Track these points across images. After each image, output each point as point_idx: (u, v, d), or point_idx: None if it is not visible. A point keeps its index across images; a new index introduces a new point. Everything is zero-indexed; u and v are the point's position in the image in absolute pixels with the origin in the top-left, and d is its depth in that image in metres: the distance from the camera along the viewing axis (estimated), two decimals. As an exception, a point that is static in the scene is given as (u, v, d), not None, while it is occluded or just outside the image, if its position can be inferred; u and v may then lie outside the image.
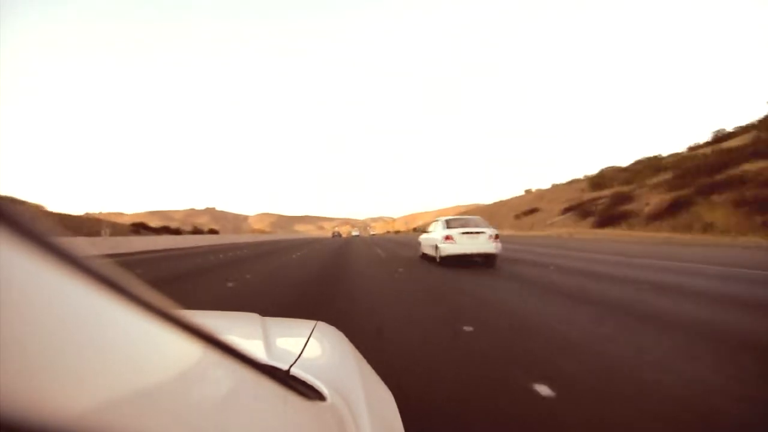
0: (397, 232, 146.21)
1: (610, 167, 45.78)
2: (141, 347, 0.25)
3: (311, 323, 0.90)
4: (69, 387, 0.17)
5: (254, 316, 0.89)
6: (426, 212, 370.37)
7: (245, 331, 0.79)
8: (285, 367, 0.56)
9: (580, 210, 32.57)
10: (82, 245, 0.24)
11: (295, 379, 0.53)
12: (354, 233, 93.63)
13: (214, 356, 0.32)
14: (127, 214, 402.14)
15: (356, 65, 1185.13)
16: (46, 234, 0.21)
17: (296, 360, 0.62)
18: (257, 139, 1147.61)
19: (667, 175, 28.18)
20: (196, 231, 66.47)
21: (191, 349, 0.29)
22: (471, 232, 7.37)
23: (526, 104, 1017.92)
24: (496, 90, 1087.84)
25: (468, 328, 2.89)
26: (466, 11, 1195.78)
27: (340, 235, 68.38)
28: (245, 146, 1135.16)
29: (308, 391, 0.49)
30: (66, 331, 0.19)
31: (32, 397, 0.15)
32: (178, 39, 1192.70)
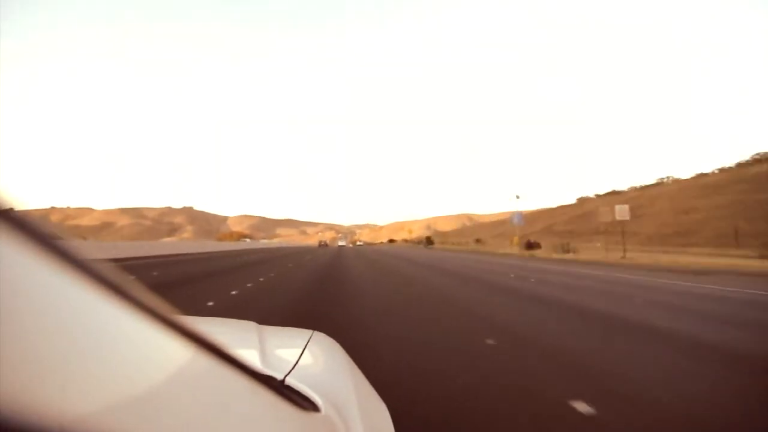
0: (429, 241, 75.83)
1: None
2: (138, 351, 0.26)
3: (308, 333, 0.92)
4: (66, 389, 0.18)
5: (251, 324, 0.90)
6: (415, 221, 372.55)
7: (242, 339, 0.80)
8: (280, 377, 0.57)
9: None
10: (84, 247, 0.24)
11: (290, 388, 0.54)
12: (340, 243, 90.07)
13: (211, 363, 0.32)
14: (96, 210, 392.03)
15: (343, 65, 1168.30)
16: (47, 234, 0.21)
17: (292, 369, 0.62)
18: (241, 138, 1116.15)
19: None
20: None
21: (188, 355, 0.30)
22: None
23: (522, 113, 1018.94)
24: (489, 96, 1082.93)
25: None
26: (463, 16, 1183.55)
27: (326, 244, 67.52)
28: (228, 145, 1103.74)
29: (303, 402, 0.50)
30: (64, 333, 0.20)
31: (29, 397, 0.16)
32: (162, 36, 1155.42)
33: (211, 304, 5.83)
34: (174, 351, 0.29)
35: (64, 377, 0.18)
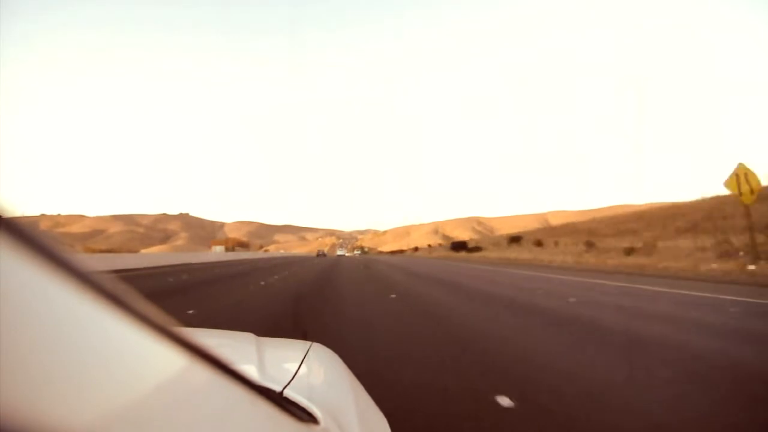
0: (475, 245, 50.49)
1: None
2: (137, 362, 0.26)
3: (306, 344, 0.92)
4: (64, 400, 0.18)
5: (249, 336, 0.92)
6: (420, 225, 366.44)
7: (240, 351, 0.80)
8: (279, 389, 0.58)
9: None
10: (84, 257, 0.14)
11: (288, 401, 0.54)
12: (339, 252, 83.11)
13: (209, 374, 0.33)
14: (88, 217, 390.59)
15: (343, 65, 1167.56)
16: (44, 243, 0.21)
17: (290, 381, 0.63)
18: (239, 143, 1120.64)
19: None
20: None
21: (187, 366, 0.31)
22: None
23: (531, 110, 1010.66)
24: (494, 93, 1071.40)
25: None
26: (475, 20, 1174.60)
27: (324, 254, 64.29)
28: (226, 150, 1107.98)
29: (302, 414, 0.51)
30: (62, 342, 0.20)
31: (26, 407, 0.16)
32: (157, 40, 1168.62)
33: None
34: (173, 362, 0.29)
35: (63, 387, 0.18)
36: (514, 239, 46.89)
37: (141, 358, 0.27)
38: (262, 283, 10.72)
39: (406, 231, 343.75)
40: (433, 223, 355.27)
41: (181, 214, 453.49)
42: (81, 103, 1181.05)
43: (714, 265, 11.57)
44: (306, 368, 0.74)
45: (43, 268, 0.20)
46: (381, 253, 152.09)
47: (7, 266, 0.18)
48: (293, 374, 0.67)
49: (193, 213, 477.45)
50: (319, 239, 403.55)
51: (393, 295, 7.60)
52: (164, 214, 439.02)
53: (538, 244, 37.32)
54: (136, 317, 0.26)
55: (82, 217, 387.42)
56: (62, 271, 0.21)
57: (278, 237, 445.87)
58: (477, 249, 46.29)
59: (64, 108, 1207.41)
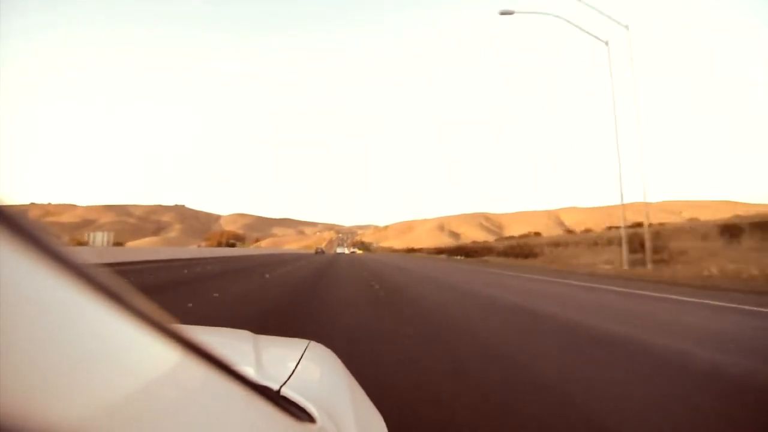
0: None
1: None
2: (133, 359, 0.27)
3: (304, 343, 0.94)
4: (59, 395, 0.18)
5: (246, 334, 0.93)
6: (423, 220, 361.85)
7: (237, 349, 0.81)
8: (276, 387, 0.59)
9: None
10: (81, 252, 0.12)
11: (285, 399, 0.55)
12: (338, 249, 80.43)
13: (206, 372, 0.34)
14: (79, 207, 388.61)
15: (344, 56, 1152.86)
16: (45, 239, 0.21)
17: (287, 380, 0.64)
18: (237, 134, 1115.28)
19: None
20: None
21: (184, 364, 0.31)
22: None
23: (541, 102, 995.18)
24: (502, 85, 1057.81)
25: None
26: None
27: (323, 251, 64.71)
28: (224, 141, 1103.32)
29: (299, 413, 0.51)
30: (59, 338, 0.20)
31: (21, 403, 0.16)
32: (155, 32, 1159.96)
33: None
34: (169, 359, 0.30)
35: (58, 383, 0.19)
36: None
37: (137, 354, 0.27)
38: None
39: (408, 226, 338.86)
40: (437, 218, 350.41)
41: (176, 205, 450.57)
42: (77, 91, 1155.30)
43: None
44: (303, 366, 0.75)
45: (36, 260, 0.20)
46: (412, 251, 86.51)
47: (3, 260, 0.18)
48: (290, 372, 0.69)
49: (189, 205, 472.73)
50: (318, 234, 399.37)
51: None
52: (159, 205, 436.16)
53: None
54: (132, 313, 0.26)
55: (73, 206, 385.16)
56: (56, 264, 0.21)
57: (276, 230, 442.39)
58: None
59: (59, 97, 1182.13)
